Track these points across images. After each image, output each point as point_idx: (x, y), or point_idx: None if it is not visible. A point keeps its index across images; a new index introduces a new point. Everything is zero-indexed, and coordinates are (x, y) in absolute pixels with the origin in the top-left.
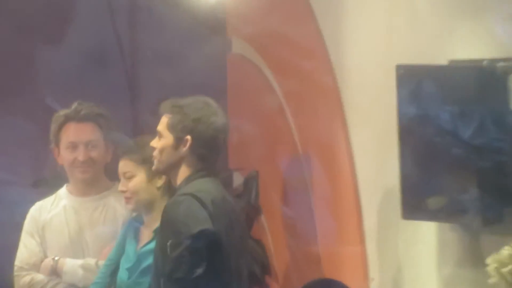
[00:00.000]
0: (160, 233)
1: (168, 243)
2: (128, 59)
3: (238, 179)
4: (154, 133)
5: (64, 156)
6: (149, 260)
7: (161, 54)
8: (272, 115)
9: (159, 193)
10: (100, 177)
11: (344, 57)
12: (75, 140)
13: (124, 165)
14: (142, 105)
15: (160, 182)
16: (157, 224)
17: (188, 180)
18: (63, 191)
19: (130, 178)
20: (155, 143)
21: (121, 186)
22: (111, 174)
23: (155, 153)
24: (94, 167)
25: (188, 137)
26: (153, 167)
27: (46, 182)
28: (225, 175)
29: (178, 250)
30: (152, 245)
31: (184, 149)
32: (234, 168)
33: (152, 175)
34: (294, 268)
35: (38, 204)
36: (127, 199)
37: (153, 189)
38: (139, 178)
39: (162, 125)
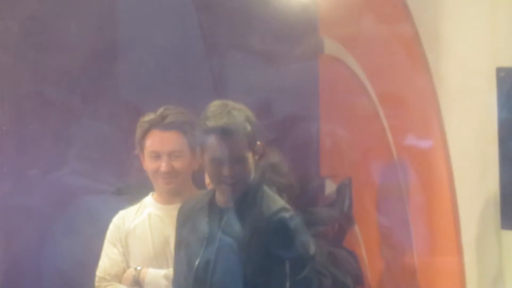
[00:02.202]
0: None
1: (287, 262)
2: (215, 59)
3: (330, 187)
4: None
5: (148, 164)
6: None
7: (250, 54)
8: (366, 119)
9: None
10: (187, 185)
11: (441, 59)
12: (158, 149)
13: None
14: None
15: None
16: None
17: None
18: (148, 199)
19: None
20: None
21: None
22: (200, 182)
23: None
24: (178, 178)
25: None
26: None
27: (130, 190)
28: (317, 183)
29: (304, 271)
30: None
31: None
32: (326, 176)
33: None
34: (388, 280)
35: (121, 213)
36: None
37: None
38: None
39: None
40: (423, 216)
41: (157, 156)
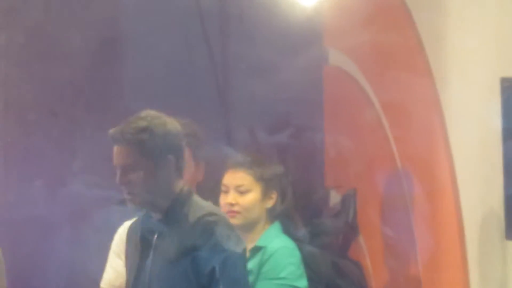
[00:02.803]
0: None
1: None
2: (220, 70)
3: (335, 198)
4: (249, 148)
5: None
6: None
7: (254, 65)
8: (370, 129)
9: (265, 215)
10: None
11: (446, 69)
12: None
13: (239, 178)
14: (234, 118)
15: (270, 203)
16: (252, 244)
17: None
18: None
19: (244, 192)
20: (235, 198)
21: (231, 199)
22: (204, 192)
23: (238, 208)
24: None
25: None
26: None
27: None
28: (321, 193)
29: (236, 272)
30: (249, 265)
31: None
32: (331, 186)
33: (265, 194)
34: None
35: (126, 224)
36: (233, 213)
37: (262, 209)
38: (255, 195)
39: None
40: (428, 226)
41: None
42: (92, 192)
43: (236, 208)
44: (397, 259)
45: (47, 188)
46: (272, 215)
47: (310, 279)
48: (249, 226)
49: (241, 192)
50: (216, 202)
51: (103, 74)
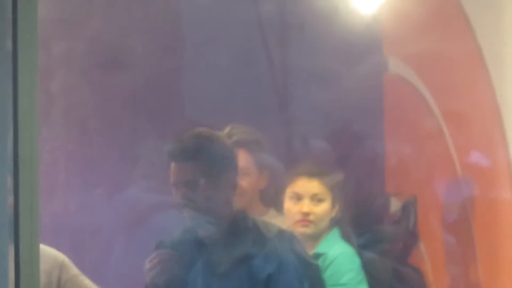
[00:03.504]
0: None
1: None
2: (280, 78)
3: (395, 205)
4: (308, 157)
5: None
6: None
7: (314, 73)
8: (431, 137)
9: (328, 226)
10: (254, 204)
11: (505, 76)
12: None
13: (315, 187)
14: (294, 127)
15: (335, 212)
16: (312, 251)
17: None
18: None
19: (319, 201)
20: (310, 207)
21: (306, 208)
22: (266, 200)
23: (312, 218)
24: (244, 196)
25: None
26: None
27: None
28: (382, 200)
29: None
30: None
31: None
32: (391, 193)
33: (333, 204)
34: None
35: None
36: (307, 222)
37: (327, 219)
38: (328, 205)
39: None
40: (488, 234)
41: None
42: (152, 198)
43: (311, 218)
44: (458, 266)
45: (107, 196)
46: (332, 223)
47: (370, 286)
48: (317, 236)
49: (316, 201)
50: (279, 209)
51: (164, 83)
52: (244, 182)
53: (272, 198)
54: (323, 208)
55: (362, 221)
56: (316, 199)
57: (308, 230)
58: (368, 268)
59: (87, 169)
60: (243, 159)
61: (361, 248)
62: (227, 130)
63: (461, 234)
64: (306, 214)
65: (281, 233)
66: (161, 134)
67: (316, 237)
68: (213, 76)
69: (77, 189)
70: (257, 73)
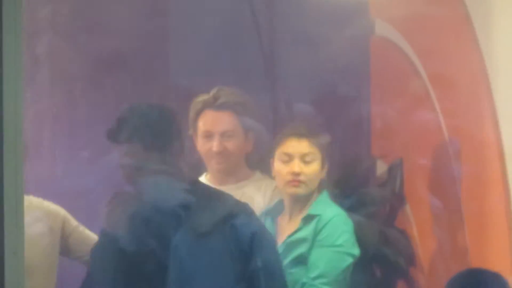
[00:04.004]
0: None
1: None
2: (266, 42)
3: (381, 167)
4: (294, 120)
5: (201, 145)
6: (300, 249)
7: (300, 36)
8: (417, 100)
9: (318, 186)
10: (240, 166)
11: (492, 39)
12: (210, 129)
13: (305, 147)
14: (280, 91)
15: (323, 174)
16: (305, 213)
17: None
18: (202, 179)
19: (309, 162)
20: (300, 167)
21: (297, 168)
22: (252, 163)
23: (303, 178)
24: (230, 158)
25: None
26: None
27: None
28: (368, 163)
29: None
30: (302, 233)
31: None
32: (377, 156)
33: (323, 164)
34: (440, 260)
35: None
36: (298, 182)
37: (317, 180)
38: (318, 165)
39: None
40: (475, 197)
41: (209, 136)
42: (138, 164)
43: (301, 178)
44: (444, 229)
45: (92, 160)
46: (321, 184)
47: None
48: (308, 197)
49: (307, 162)
50: (265, 172)
51: (149, 47)
52: (229, 145)
53: (258, 161)
54: (313, 168)
55: (348, 183)
56: (306, 159)
57: (299, 190)
58: (355, 231)
59: (72, 132)
60: (229, 121)
61: (347, 211)
62: (213, 91)
63: (448, 197)
64: (297, 174)
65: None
66: (147, 97)
67: (306, 199)
68: (199, 39)
69: (62, 152)
70: (244, 36)
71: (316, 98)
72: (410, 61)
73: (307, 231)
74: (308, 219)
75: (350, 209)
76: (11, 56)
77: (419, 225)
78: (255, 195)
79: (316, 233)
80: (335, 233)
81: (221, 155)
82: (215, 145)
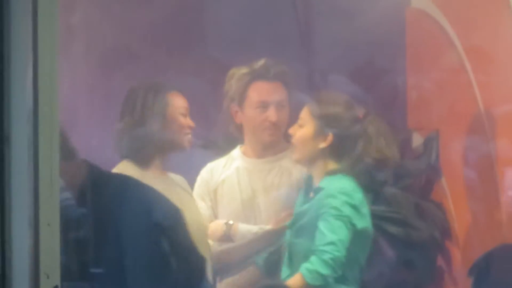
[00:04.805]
0: None
1: None
2: (301, 13)
3: (417, 140)
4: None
5: (253, 116)
6: (302, 220)
7: (336, 7)
8: (453, 73)
9: (321, 156)
10: (280, 138)
11: None
12: (267, 99)
13: (301, 111)
14: (315, 62)
15: (323, 144)
16: (316, 184)
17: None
18: (236, 152)
19: (301, 126)
20: (294, 129)
21: (291, 129)
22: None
23: (294, 140)
24: (281, 129)
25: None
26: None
27: (216, 143)
28: (404, 135)
29: None
30: (307, 206)
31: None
32: (413, 128)
33: (318, 133)
34: (476, 233)
35: (209, 166)
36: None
37: (314, 148)
38: (306, 131)
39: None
40: (510, 170)
41: (264, 106)
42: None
43: (293, 140)
44: (480, 202)
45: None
46: (324, 153)
47: (392, 221)
48: (308, 164)
49: (300, 126)
50: None
51: (185, 18)
52: (283, 115)
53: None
54: (301, 133)
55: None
56: (299, 123)
57: (294, 154)
58: (390, 203)
59: (106, 103)
60: (281, 91)
61: (383, 184)
62: (261, 63)
63: (484, 170)
64: (291, 135)
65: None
66: (181, 69)
67: (307, 164)
68: (235, 11)
69: (97, 123)
70: (278, 8)
71: (351, 70)
72: (446, 32)
73: (313, 204)
74: (317, 191)
75: (385, 182)
76: (46, 27)
77: (454, 198)
78: (292, 168)
79: (320, 206)
80: (336, 206)
81: (276, 126)
82: (272, 115)
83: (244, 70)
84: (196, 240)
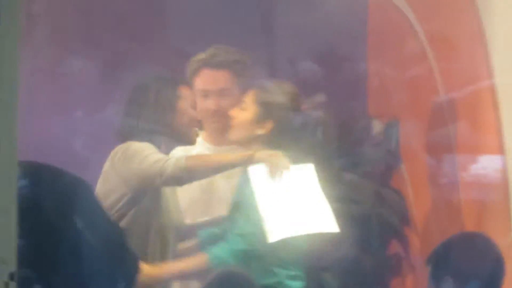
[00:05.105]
0: None
1: None
2: (264, 0)
3: (377, 127)
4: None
5: (198, 103)
6: (241, 202)
7: None
8: (414, 60)
9: (257, 141)
10: (226, 125)
11: (491, 2)
12: (208, 88)
13: (246, 96)
14: (277, 48)
15: (261, 131)
16: None
17: None
18: (198, 139)
19: (242, 110)
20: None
21: (232, 111)
22: None
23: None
24: (226, 117)
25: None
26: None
27: (177, 130)
28: (364, 122)
29: None
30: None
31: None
32: (374, 115)
33: (258, 120)
34: (435, 220)
35: (173, 152)
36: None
37: (252, 133)
38: (246, 115)
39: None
40: (470, 157)
41: (206, 95)
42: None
43: (232, 121)
44: (439, 189)
45: (89, 118)
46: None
47: (353, 208)
48: (244, 143)
49: (242, 109)
50: None
51: (147, 5)
52: (226, 103)
53: None
54: (240, 117)
55: (344, 143)
56: (242, 106)
57: (230, 135)
58: (350, 190)
59: (68, 91)
60: (225, 79)
61: (343, 170)
62: (210, 50)
63: (443, 157)
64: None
65: None
66: (143, 56)
67: (244, 147)
68: None
69: (57, 110)
70: None
71: (313, 57)
72: (408, 20)
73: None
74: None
75: (345, 168)
76: (8, 14)
77: (414, 185)
78: None
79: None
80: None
81: (219, 114)
82: (211, 103)
83: (195, 57)
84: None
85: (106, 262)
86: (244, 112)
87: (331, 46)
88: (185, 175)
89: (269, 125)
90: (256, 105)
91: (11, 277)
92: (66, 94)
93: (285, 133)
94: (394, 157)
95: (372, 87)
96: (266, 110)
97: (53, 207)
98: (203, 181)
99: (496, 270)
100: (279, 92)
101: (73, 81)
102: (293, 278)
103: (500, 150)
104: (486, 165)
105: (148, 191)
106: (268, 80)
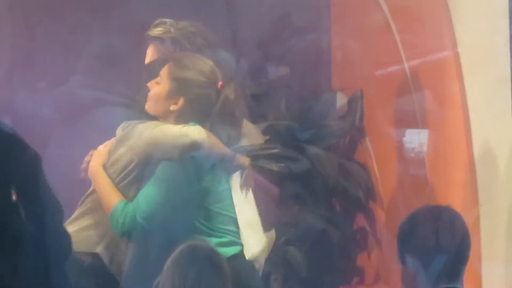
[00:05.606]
0: None
1: None
2: None
3: (341, 100)
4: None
5: None
6: None
7: None
8: (378, 32)
9: (171, 116)
10: None
11: None
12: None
13: (162, 69)
14: (240, 21)
15: (173, 107)
16: None
17: None
18: None
19: (157, 83)
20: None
21: (149, 83)
22: None
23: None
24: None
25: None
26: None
27: (139, 103)
28: (328, 95)
29: None
30: None
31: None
32: (337, 88)
33: (171, 95)
34: (400, 193)
35: (124, 124)
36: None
37: (165, 108)
38: (160, 89)
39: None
40: (436, 129)
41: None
42: (96, 94)
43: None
44: (404, 162)
45: (51, 90)
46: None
47: (317, 181)
48: (158, 117)
49: (156, 83)
50: None
51: None
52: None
53: None
54: (155, 90)
55: (308, 116)
56: (157, 80)
57: (146, 106)
58: (314, 163)
59: (29, 63)
60: (151, 55)
61: (307, 144)
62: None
63: (408, 129)
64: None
65: None
66: (104, 28)
67: (160, 117)
68: None
69: (19, 82)
70: None
71: (275, 29)
72: None
73: None
74: None
75: (309, 142)
76: None
77: (379, 159)
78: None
79: None
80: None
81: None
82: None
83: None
84: None
85: (39, 241)
86: (159, 86)
87: (295, 19)
88: None
89: (180, 102)
90: (169, 80)
91: None
92: (30, 67)
93: (196, 111)
94: (358, 130)
95: (335, 59)
96: (179, 86)
97: None
98: None
99: (462, 244)
100: (193, 68)
101: (37, 54)
102: (225, 245)
103: (465, 122)
104: (452, 136)
105: None
106: (187, 55)
